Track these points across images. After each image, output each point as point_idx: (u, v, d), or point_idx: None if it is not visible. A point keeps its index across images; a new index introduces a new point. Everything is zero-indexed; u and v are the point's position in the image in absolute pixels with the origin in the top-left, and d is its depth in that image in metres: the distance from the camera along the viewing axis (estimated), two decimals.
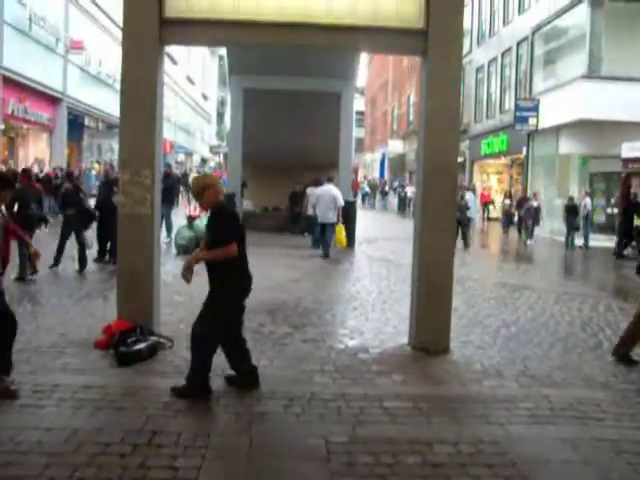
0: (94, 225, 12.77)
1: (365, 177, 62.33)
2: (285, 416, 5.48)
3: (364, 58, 58.52)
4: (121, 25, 7.63)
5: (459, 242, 18.08)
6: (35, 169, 20.31)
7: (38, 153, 23.97)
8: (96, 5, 26.66)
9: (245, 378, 6.05)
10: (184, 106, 48.13)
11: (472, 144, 36.65)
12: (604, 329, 9.26)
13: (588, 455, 4.91)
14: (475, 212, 26.10)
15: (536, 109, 26.67)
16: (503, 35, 32.86)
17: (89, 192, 16.19)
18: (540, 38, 28.51)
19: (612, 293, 13.13)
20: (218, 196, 5.81)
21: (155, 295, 7.73)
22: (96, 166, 28.41)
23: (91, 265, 12.30)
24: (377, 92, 68.44)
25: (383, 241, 21.01)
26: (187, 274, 5.69)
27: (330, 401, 5.81)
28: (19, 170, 17.82)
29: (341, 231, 16.54)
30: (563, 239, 21.55)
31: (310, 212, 18.00)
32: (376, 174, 62.75)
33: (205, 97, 60.43)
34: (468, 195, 22.25)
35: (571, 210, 21.19)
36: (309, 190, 18.64)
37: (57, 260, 11.89)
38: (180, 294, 9.60)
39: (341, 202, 16.41)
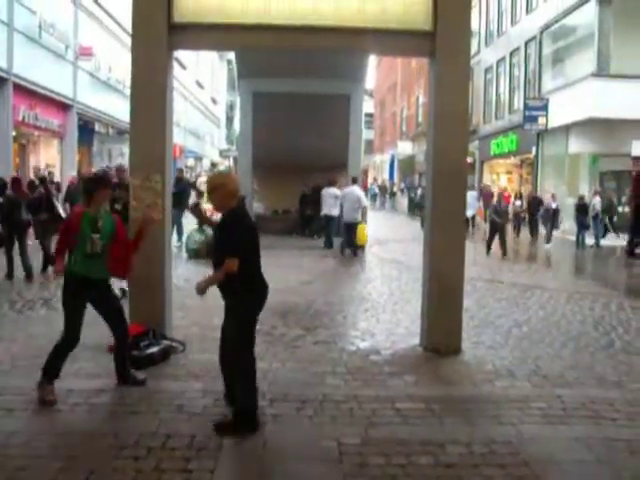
0: None
1: (375, 179, 62.33)
2: (298, 418, 5.49)
3: (373, 60, 58.54)
4: (130, 31, 7.68)
5: (496, 248, 17.97)
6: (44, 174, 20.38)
7: (49, 159, 24.03)
8: (105, 11, 26.73)
9: None
10: (193, 111, 48.20)
11: (481, 144, 36.59)
12: (616, 328, 9.23)
13: (601, 455, 4.90)
14: (474, 210, 25.71)
15: (545, 108, 26.61)
16: (511, 35, 32.80)
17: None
18: (548, 37, 28.44)
19: (624, 292, 13.09)
20: (227, 200, 5.21)
21: (167, 299, 7.78)
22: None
23: None
24: (386, 94, 68.36)
25: (394, 243, 21.00)
26: (200, 293, 5.26)
27: (342, 403, 5.83)
28: (33, 177, 17.96)
29: (363, 229, 17.43)
30: (574, 238, 21.47)
31: (330, 212, 18.50)
32: (385, 175, 62.72)
33: (214, 101, 60.50)
34: (470, 194, 21.78)
35: (581, 209, 21.10)
36: (324, 191, 18.83)
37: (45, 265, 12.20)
38: (192, 298, 9.58)
39: (365, 202, 17.86)
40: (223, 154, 67.11)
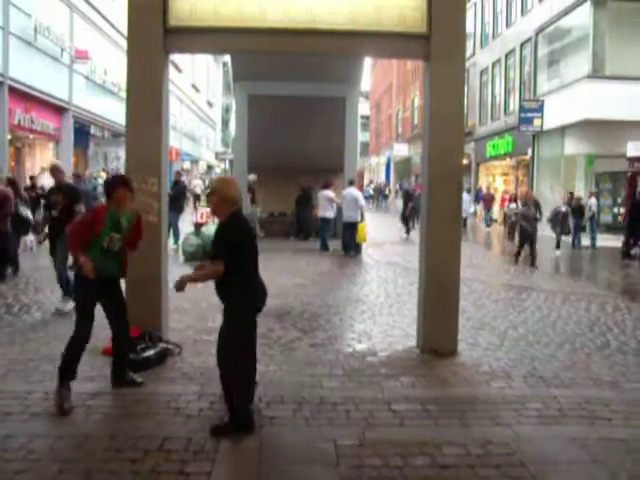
0: None
1: (371, 181, 62.43)
2: (294, 420, 5.50)
3: (368, 62, 58.61)
4: (126, 34, 7.69)
5: (523, 257, 16.80)
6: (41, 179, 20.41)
7: (45, 162, 24.02)
8: (100, 15, 26.77)
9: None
10: (189, 114, 48.25)
11: (477, 146, 36.68)
12: (612, 328, 9.26)
13: (597, 455, 4.91)
14: (468, 212, 25.55)
15: (541, 110, 26.69)
16: (506, 37, 32.89)
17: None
18: (543, 39, 28.54)
19: (619, 293, 13.11)
20: (222, 205, 5.21)
21: (163, 302, 7.78)
22: (102, 174, 28.51)
23: None
24: (382, 96, 68.50)
25: (389, 244, 21.02)
26: (179, 288, 5.28)
27: (339, 405, 5.83)
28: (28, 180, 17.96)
29: (363, 229, 17.70)
30: (570, 239, 21.47)
31: (325, 215, 18.69)
32: (382, 177, 62.82)
33: (210, 104, 60.55)
34: (464, 196, 21.21)
35: (577, 210, 21.11)
36: (319, 194, 19.05)
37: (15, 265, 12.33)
38: (188, 301, 9.63)
39: (363, 202, 18.12)
40: (219, 157, 67.16)
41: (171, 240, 15.89)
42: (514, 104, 31.08)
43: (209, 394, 5.93)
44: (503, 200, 31.00)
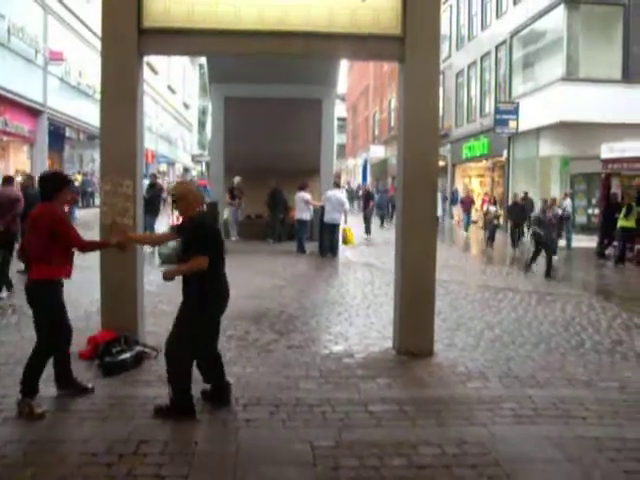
0: None
1: (348, 183, 62.43)
2: (271, 422, 5.50)
3: (345, 65, 58.70)
4: (100, 35, 7.64)
5: (537, 265, 15.75)
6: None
7: (19, 165, 23.80)
8: (75, 16, 26.56)
9: (217, 393, 5.84)
10: (165, 115, 48.04)
11: (453, 148, 36.84)
12: (586, 328, 9.36)
13: (571, 453, 4.96)
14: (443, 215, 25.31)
15: (516, 112, 26.85)
16: (482, 39, 33.08)
17: None
18: (518, 42, 28.74)
19: (594, 292, 13.24)
20: (189, 209, 5.63)
21: (139, 305, 7.74)
22: (78, 177, 28.30)
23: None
24: (358, 98, 68.59)
25: (365, 246, 21.06)
26: (169, 278, 5.53)
27: (315, 406, 5.85)
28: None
29: (351, 231, 18.13)
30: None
31: (301, 217, 18.72)
32: (359, 179, 62.88)
33: (186, 106, 60.35)
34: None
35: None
36: (295, 196, 19.10)
37: None
38: (164, 303, 9.59)
39: (347, 205, 18.24)
40: (195, 159, 66.92)
41: None
42: (490, 106, 31.26)
43: None
44: (483, 202, 29.95)
